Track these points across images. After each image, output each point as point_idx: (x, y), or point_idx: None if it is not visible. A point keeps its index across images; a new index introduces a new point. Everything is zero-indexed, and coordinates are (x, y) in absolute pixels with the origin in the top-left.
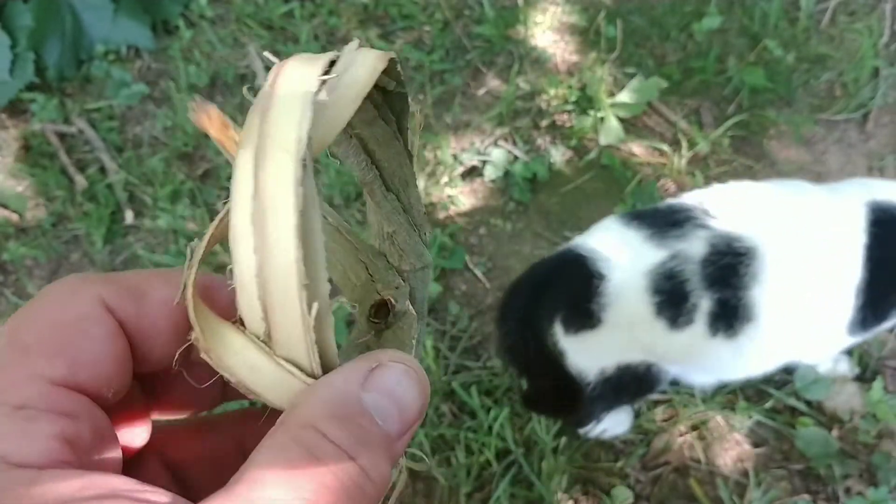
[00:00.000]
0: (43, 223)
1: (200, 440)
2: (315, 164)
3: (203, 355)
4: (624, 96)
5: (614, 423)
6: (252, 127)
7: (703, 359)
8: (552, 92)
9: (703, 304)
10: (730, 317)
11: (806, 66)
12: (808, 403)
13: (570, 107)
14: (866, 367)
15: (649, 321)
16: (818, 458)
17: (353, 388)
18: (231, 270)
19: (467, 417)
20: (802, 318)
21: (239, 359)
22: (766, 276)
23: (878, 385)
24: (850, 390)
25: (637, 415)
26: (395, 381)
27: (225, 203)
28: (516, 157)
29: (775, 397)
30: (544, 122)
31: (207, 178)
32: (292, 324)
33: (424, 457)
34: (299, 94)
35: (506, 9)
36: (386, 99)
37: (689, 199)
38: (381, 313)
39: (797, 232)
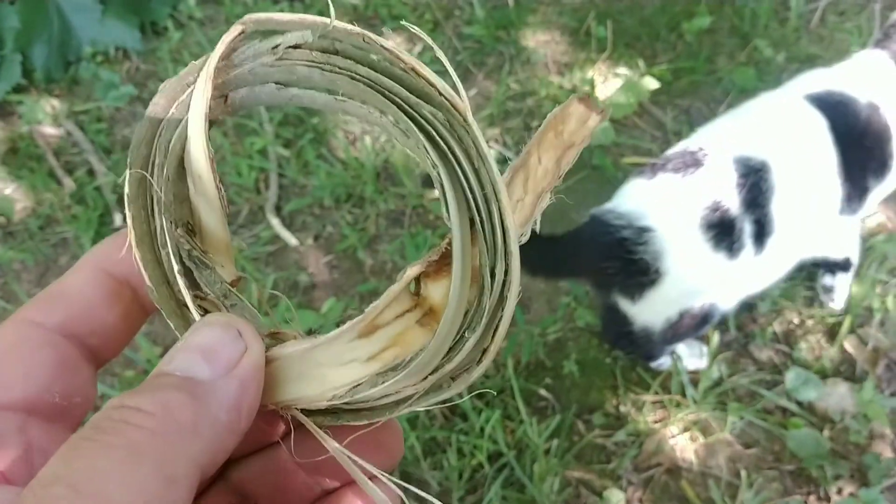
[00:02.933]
0: (31, 226)
1: (258, 458)
2: (306, 166)
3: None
4: (614, 96)
5: (689, 354)
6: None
7: (743, 279)
8: (543, 92)
9: (747, 226)
10: (763, 232)
11: (796, 66)
12: (800, 404)
13: None
14: (855, 367)
15: (710, 258)
16: (810, 459)
17: (159, 367)
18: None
19: (459, 420)
20: (806, 211)
21: (162, 293)
22: (777, 185)
23: (868, 385)
24: (841, 391)
25: (640, 408)
26: (196, 338)
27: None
28: (507, 159)
29: (766, 398)
30: (535, 123)
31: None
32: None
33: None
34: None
35: (496, 9)
36: (342, 49)
37: (688, 143)
38: None
39: (781, 141)
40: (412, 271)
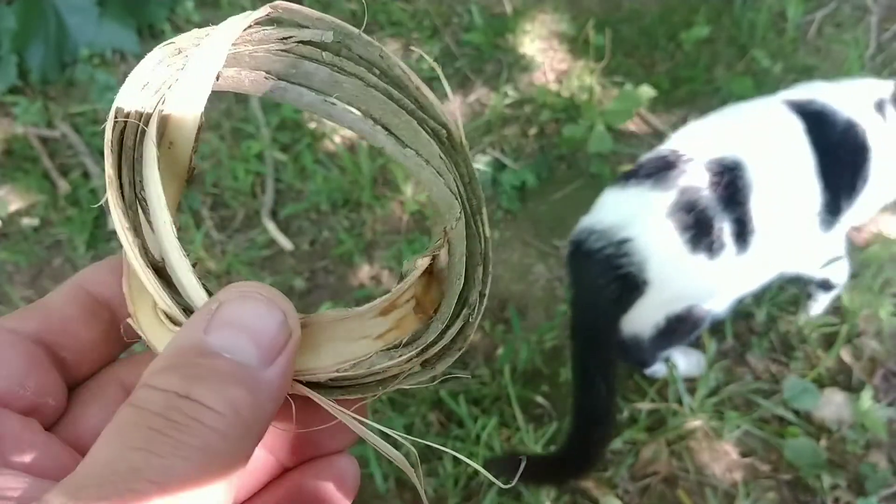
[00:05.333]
0: (25, 228)
1: None
2: (303, 171)
3: (129, 321)
4: (612, 105)
5: (685, 363)
6: None
7: (729, 280)
8: (541, 100)
9: (727, 225)
10: (744, 231)
11: (793, 76)
12: (796, 413)
13: (558, 115)
14: (851, 376)
15: (689, 259)
16: (807, 468)
17: (194, 335)
18: None
19: (455, 426)
20: (786, 215)
21: (148, 321)
22: (755, 183)
23: (865, 395)
24: (837, 400)
25: (634, 420)
26: (239, 312)
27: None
28: (505, 165)
29: (763, 407)
30: (533, 130)
31: (192, 183)
32: (142, 277)
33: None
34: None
35: (495, 17)
36: (347, 55)
37: (664, 148)
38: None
39: (757, 141)
40: (425, 261)
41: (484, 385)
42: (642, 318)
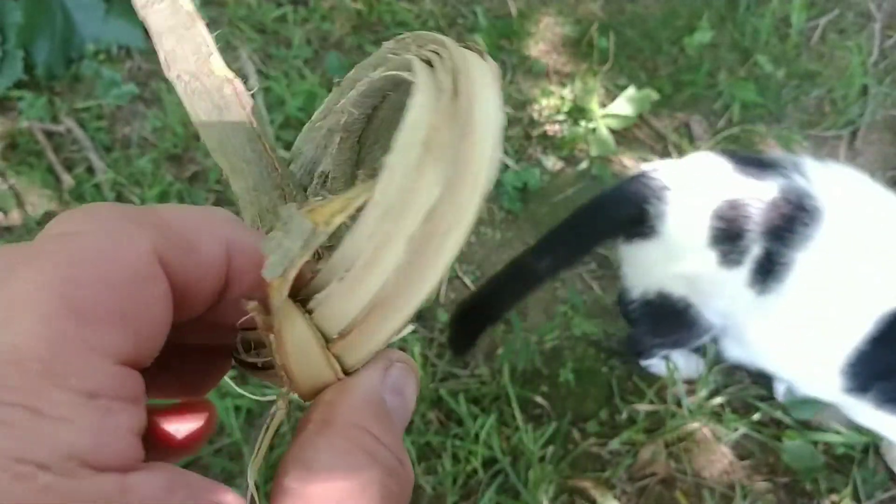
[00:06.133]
0: (28, 222)
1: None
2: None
3: (270, 335)
4: (615, 108)
5: (685, 365)
6: (442, 132)
7: (737, 315)
8: (544, 102)
9: (755, 248)
10: (770, 270)
11: (796, 82)
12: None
13: (561, 117)
14: None
15: (701, 248)
16: (804, 472)
17: (377, 389)
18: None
19: (454, 425)
20: (817, 315)
21: (296, 343)
22: (820, 244)
23: None
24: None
25: (633, 422)
26: (403, 381)
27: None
28: (507, 166)
29: (762, 410)
30: (536, 132)
31: (196, 180)
32: (382, 333)
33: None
34: (497, 123)
35: (499, 18)
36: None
37: (789, 156)
38: None
39: (869, 223)
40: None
41: (484, 384)
42: (638, 269)
